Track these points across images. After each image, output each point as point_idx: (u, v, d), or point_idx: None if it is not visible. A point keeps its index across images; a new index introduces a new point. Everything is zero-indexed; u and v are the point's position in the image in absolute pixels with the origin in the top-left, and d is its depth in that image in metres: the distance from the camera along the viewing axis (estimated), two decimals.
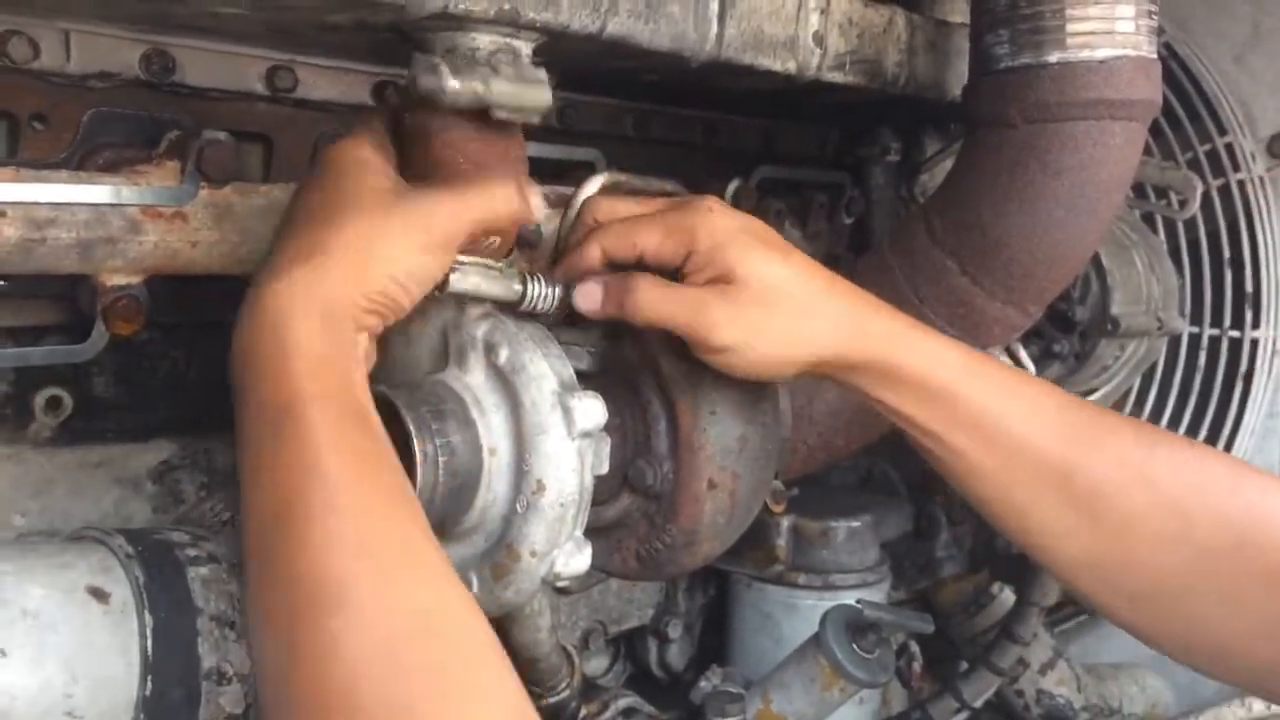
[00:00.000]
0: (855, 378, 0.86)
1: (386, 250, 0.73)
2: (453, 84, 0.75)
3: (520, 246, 0.89)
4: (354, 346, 0.72)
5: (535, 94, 0.79)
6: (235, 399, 0.71)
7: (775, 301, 0.82)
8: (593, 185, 0.90)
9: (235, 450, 0.70)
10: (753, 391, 0.90)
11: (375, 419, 0.71)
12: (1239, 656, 0.81)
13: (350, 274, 0.72)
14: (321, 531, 0.63)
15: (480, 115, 0.79)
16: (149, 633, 0.71)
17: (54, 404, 0.93)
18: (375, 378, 0.88)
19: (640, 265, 0.84)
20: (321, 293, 0.71)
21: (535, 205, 0.80)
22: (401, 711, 0.59)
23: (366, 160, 0.77)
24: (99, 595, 0.72)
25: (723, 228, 0.82)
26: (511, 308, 0.82)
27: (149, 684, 0.71)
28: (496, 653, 0.64)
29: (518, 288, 0.82)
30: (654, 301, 0.81)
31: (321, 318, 0.71)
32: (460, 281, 0.78)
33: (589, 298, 0.83)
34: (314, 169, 0.78)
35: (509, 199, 0.78)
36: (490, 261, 0.81)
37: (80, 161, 0.87)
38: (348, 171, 0.76)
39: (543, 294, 0.83)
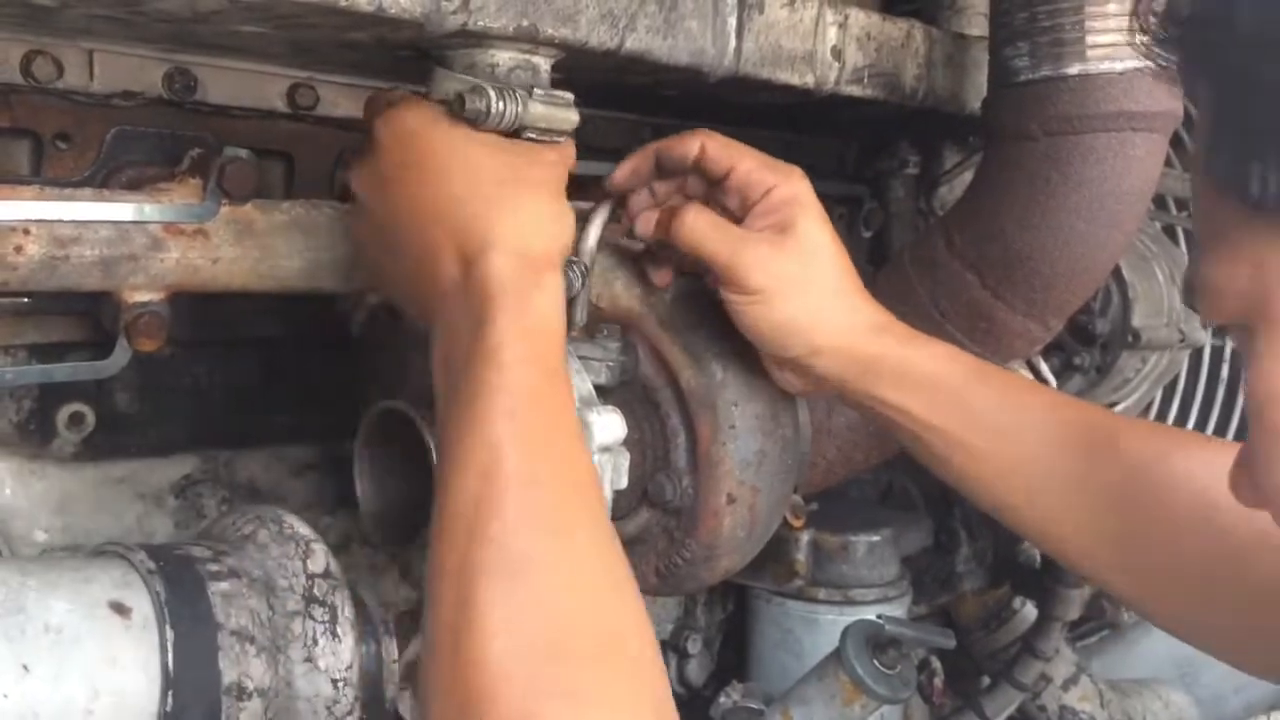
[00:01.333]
0: (865, 379, 0.87)
1: (554, 196, 0.78)
2: (499, 106, 0.77)
3: None
4: (561, 298, 0.75)
5: (565, 115, 0.82)
6: (458, 358, 0.72)
7: (819, 267, 0.86)
8: (605, 207, 0.90)
9: (443, 406, 0.72)
10: (772, 406, 0.90)
11: (567, 374, 0.75)
12: (1264, 646, 0.80)
13: (547, 226, 0.76)
14: (516, 500, 0.65)
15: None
16: (170, 647, 0.71)
17: (77, 420, 0.93)
18: (397, 391, 0.89)
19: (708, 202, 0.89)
20: (534, 250, 0.74)
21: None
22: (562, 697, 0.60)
23: (450, 116, 0.79)
24: (120, 610, 0.72)
25: (805, 190, 0.88)
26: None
27: (170, 699, 0.71)
28: (652, 655, 0.65)
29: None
30: (702, 228, 0.86)
31: (536, 273, 0.73)
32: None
33: (646, 223, 0.89)
34: (402, 149, 0.78)
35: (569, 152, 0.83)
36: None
37: (103, 179, 0.88)
38: (461, 138, 0.78)
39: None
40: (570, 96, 0.82)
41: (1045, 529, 0.88)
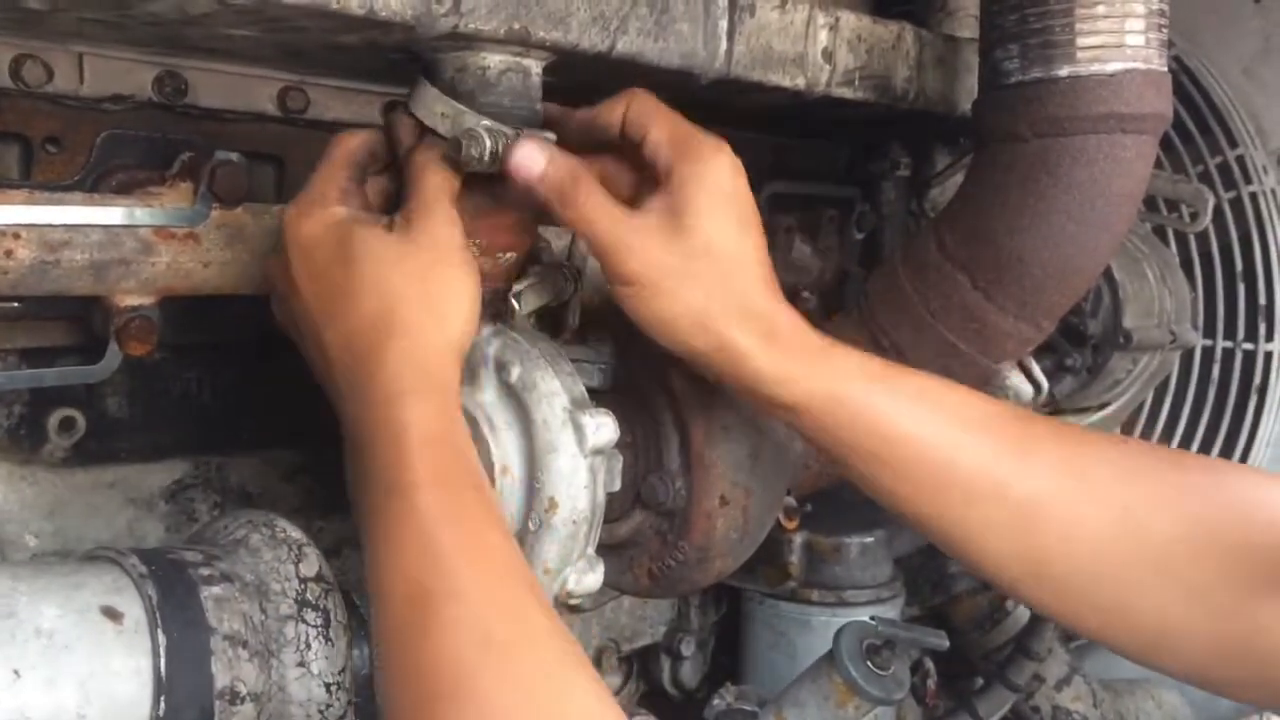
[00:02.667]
0: (751, 394, 0.81)
1: (447, 289, 0.76)
2: (492, 149, 0.78)
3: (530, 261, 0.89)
4: (457, 408, 0.74)
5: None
6: (353, 480, 0.74)
7: (705, 263, 0.77)
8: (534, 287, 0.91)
9: (361, 530, 0.72)
10: None
11: (484, 482, 0.73)
12: (1188, 646, 0.78)
13: (432, 333, 0.74)
14: (444, 620, 0.64)
15: None
16: (162, 652, 0.71)
17: (67, 425, 0.93)
18: None
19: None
20: (420, 365, 0.73)
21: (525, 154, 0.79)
22: None
23: (352, 219, 0.79)
24: (112, 615, 0.72)
25: (716, 166, 0.78)
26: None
27: (162, 704, 0.71)
28: None
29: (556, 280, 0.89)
30: (591, 202, 0.78)
31: (429, 391, 0.72)
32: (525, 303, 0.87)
33: (530, 157, 0.78)
34: (288, 248, 0.79)
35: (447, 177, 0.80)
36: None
37: (94, 183, 0.87)
38: (344, 237, 0.77)
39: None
40: (552, 136, 0.82)
41: (962, 545, 0.83)
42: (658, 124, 0.80)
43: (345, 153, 0.83)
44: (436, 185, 0.80)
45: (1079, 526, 0.79)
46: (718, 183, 0.78)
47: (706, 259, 0.78)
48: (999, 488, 0.80)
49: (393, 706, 0.65)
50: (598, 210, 0.78)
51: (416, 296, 0.75)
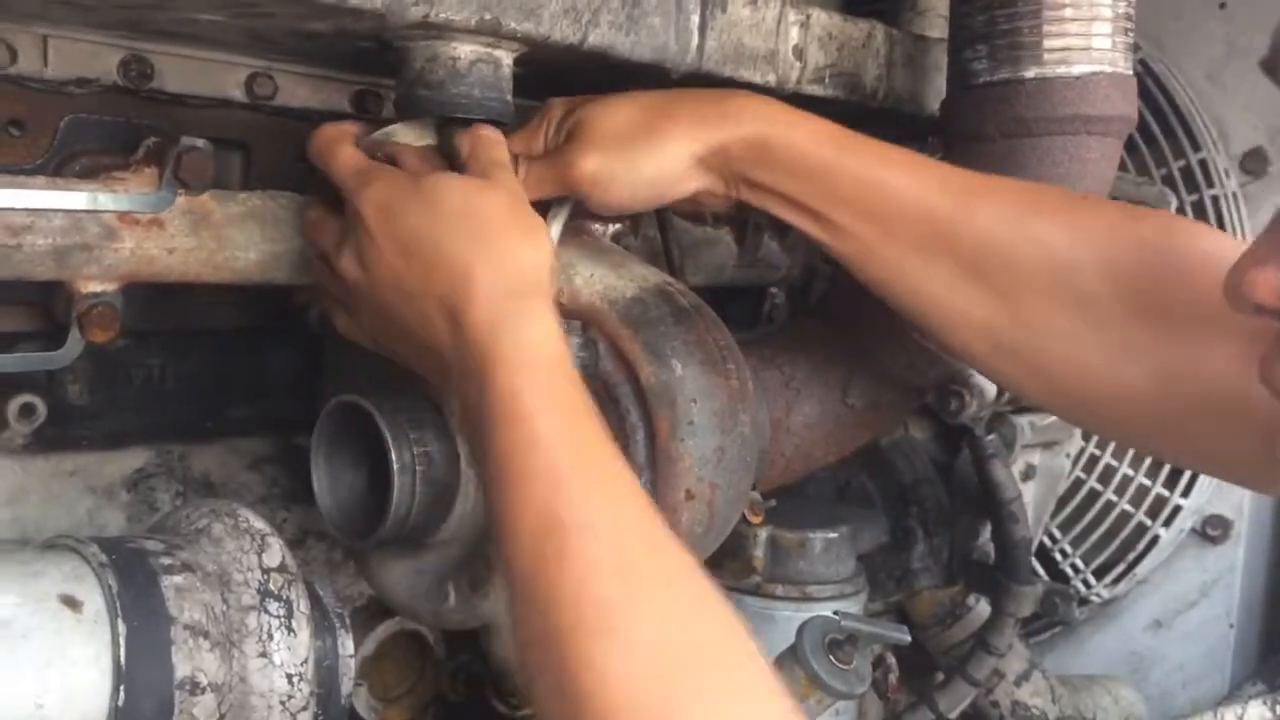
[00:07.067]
0: (736, 166, 0.88)
1: (531, 218, 0.79)
2: None
3: None
4: (559, 330, 0.74)
5: None
6: (466, 418, 0.74)
7: (626, 123, 0.87)
8: (563, 212, 0.91)
9: (481, 468, 0.72)
10: (731, 403, 0.90)
11: (594, 406, 0.73)
12: (1129, 407, 0.82)
13: (520, 257, 0.76)
14: (579, 551, 0.63)
15: None
16: (122, 642, 0.71)
17: (27, 411, 0.92)
18: (354, 383, 0.88)
19: None
20: (518, 279, 0.74)
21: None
22: None
23: (418, 171, 0.81)
24: (71, 604, 0.71)
25: (560, 103, 0.91)
26: None
27: (121, 694, 0.70)
28: (759, 665, 0.63)
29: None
30: (541, 179, 0.87)
31: (532, 308, 0.73)
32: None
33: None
34: (386, 223, 0.79)
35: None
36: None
37: (57, 168, 0.86)
38: (418, 185, 0.79)
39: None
40: None
41: (915, 302, 0.89)
42: (333, 170, 0.83)
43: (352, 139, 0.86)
44: (504, 148, 0.85)
45: (1026, 278, 0.83)
46: (570, 102, 0.90)
47: (621, 118, 0.88)
48: (950, 237, 0.85)
49: (528, 639, 0.64)
50: (539, 177, 0.88)
51: (509, 219, 0.77)
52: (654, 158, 0.87)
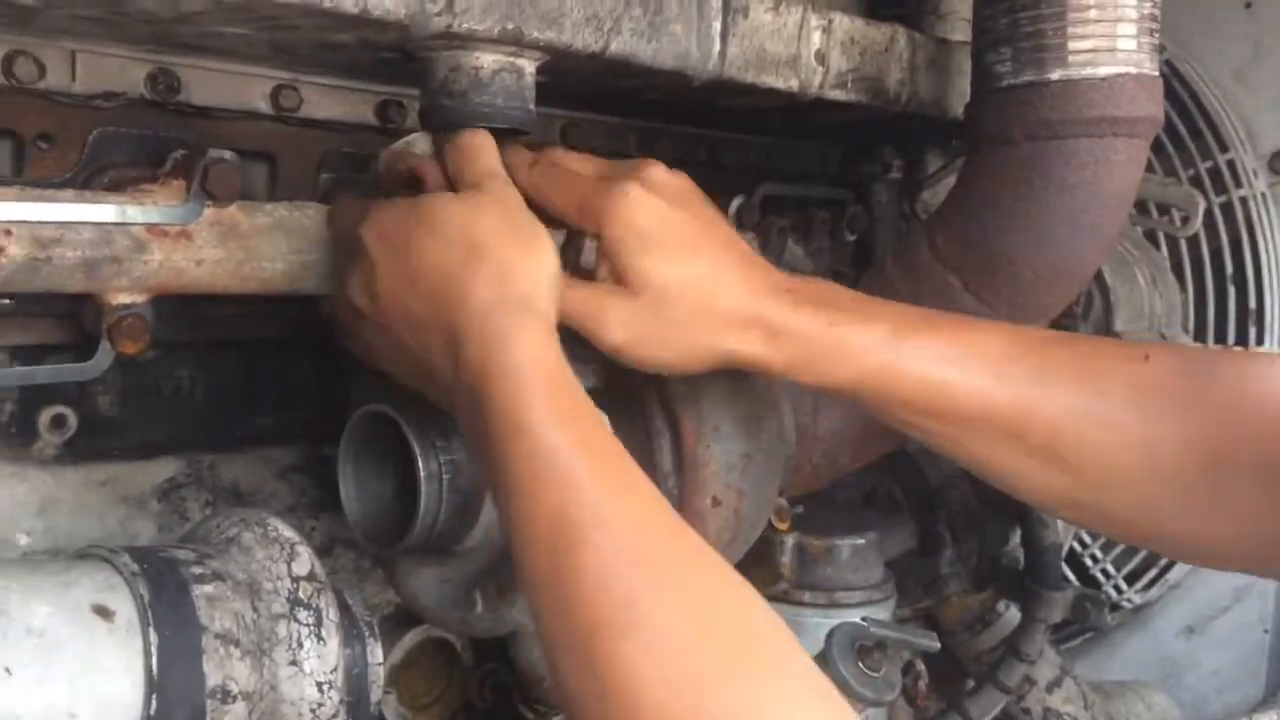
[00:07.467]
0: (778, 371, 0.83)
1: (532, 227, 0.77)
2: None
3: None
4: (558, 342, 0.74)
5: None
6: (472, 433, 0.73)
7: (667, 305, 0.80)
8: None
9: (490, 480, 0.71)
10: (757, 408, 0.90)
11: (603, 417, 0.73)
12: (1238, 547, 0.80)
13: (525, 262, 0.75)
14: (595, 549, 0.63)
15: None
16: (154, 651, 0.71)
17: (59, 422, 0.93)
18: (381, 393, 0.89)
19: None
20: (517, 293, 0.73)
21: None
22: None
23: (417, 196, 0.81)
24: (104, 613, 0.71)
25: (627, 220, 0.80)
26: None
27: (154, 703, 0.70)
28: (792, 644, 0.62)
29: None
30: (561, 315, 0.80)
31: (531, 322, 0.72)
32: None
33: None
34: (368, 248, 0.80)
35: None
36: None
37: (86, 181, 0.87)
38: (416, 208, 0.79)
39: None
40: None
41: (985, 473, 0.87)
42: (556, 195, 0.83)
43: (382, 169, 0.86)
44: (491, 155, 0.82)
45: (1103, 458, 0.81)
46: (634, 228, 0.80)
47: (669, 300, 0.80)
48: (1020, 430, 0.82)
49: (555, 644, 0.64)
50: (565, 294, 0.79)
51: (503, 232, 0.76)
52: (685, 352, 0.82)
